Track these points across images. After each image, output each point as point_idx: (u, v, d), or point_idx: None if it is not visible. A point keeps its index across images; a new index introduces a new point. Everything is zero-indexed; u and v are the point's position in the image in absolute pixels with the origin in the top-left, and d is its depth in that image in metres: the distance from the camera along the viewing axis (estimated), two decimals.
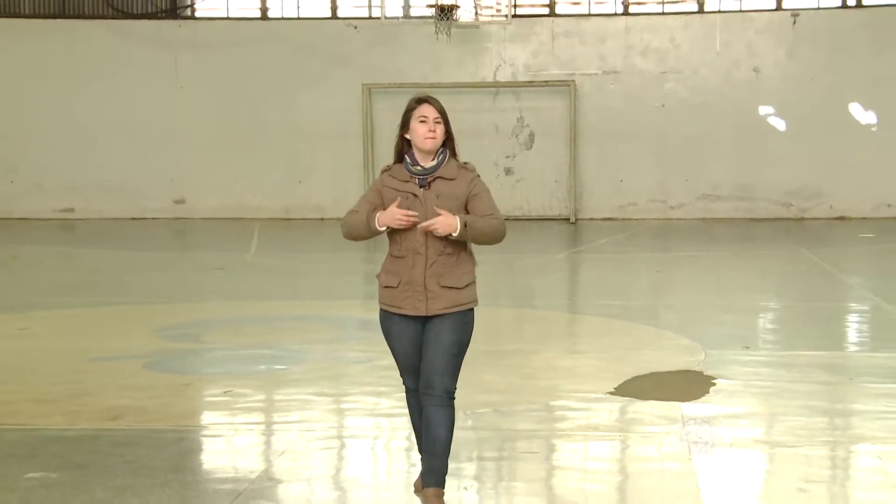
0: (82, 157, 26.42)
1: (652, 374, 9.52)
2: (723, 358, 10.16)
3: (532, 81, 26.09)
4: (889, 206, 25.24)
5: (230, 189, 26.37)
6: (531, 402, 8.62)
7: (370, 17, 26.14)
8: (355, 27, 26.35)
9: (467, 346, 5.97)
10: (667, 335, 11.49)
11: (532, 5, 26.42)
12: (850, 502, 6.38)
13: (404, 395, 6.22)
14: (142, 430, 7.75)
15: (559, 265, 18.95)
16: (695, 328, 11.80)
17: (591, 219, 25.95)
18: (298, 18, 26.83)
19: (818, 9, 25.61)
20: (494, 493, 6.51)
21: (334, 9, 26.81)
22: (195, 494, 6.40)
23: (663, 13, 26.09)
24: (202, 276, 17.25)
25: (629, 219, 25.85)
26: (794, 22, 25.51)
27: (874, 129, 25.38)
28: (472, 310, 5.96)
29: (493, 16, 25.21)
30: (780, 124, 25.70)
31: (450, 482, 6.02)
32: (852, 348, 11.61)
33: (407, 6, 26.16)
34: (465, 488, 6.42)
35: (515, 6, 25.64)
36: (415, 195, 5.84)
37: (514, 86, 26.16)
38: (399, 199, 5.81)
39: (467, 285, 5.92)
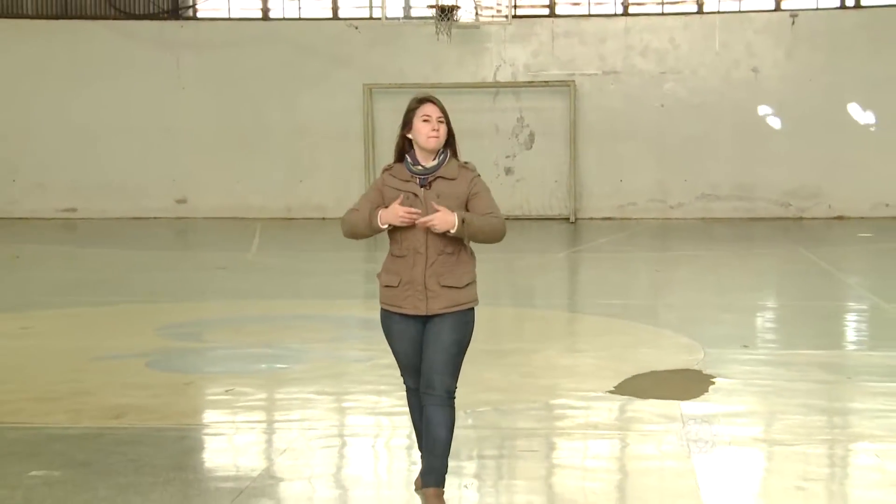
0: (84, 156, 26.42)
1: (651, 372, 9.53)
2: (722, 357, 10.18)
3: (532, 82, 26.10)
4: (887, 205, 25.26)
5: (232, 189, 26.39)
6: (531, 400, 8.63)
7: (371, 18, 26.09)
8: (356, 28, 26.36)
9: (468, 346, 5.96)
10: (666, 334, 11.50)
11: (532, 6, 26.41)
12: (848, 500, 6.40)
13: (405, 393, 6.22)
14: (144, 429, 7.77)
15: (559, 264, 18.95)
16: (694, 327, 11.80)
17: (591, 218, 25.96)
18: (299, 19, 26.83)
19: (817, 9, 25.60)
20: (494, 492, 6.51)
21: (335, 9, 26.80)
22: (197, 492, 6.41)
23: (663, 14, 26.08)
24: (204, 275, 17.25)
25: (629, 218, 25.86)
26: (793, 22, 25.53)
27: (872, 129, 25.38)
28: (472, 309, 5.95)
29: (493, 16, 25.21)
30: (778, 124, 25.71)
31: (450, 480, 6.02)
32: (850, 347, 11.64)
33: (407, 7, 26.15)
34: (466, 486, 6.43)
35: (515, 7, 25.62)
36: (415, 195, 5.83)
37: (514, 86, 26.17)
38: (402, 196, 5.80)
39: (467, 285, 5.91)
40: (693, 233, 23.67)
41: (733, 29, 25.71)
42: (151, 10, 26.71)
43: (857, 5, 25.40)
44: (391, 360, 6.17)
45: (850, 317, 13.53)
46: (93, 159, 26.41)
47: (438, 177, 5.87)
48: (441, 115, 5.87)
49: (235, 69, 26.23)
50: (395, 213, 5.73)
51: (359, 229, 5.92)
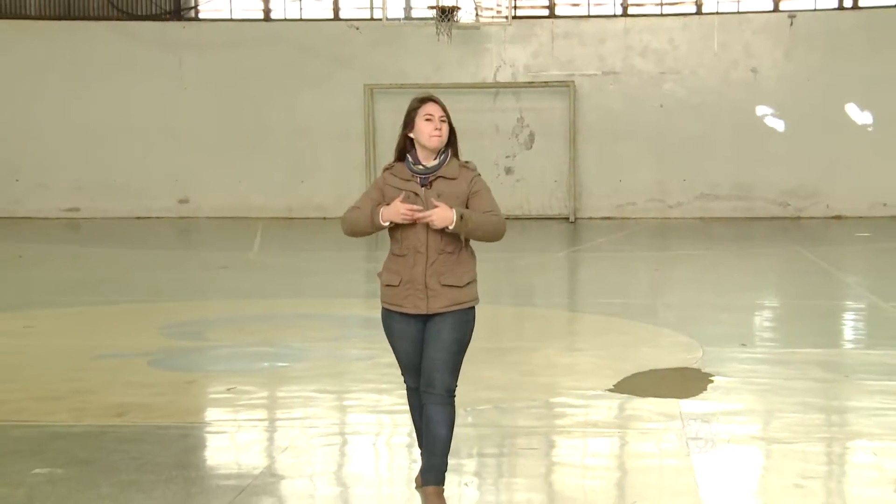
0: (87, 156, 26.47)
1: (650, 371, 9.54)
2: (720, 355, 10.19)
3: (532, 82, 26.14)
4: (885, 205, 25.31)
5: (234, 188, 26.45)
6: (531, 398, 8.64)
7: (372, 19, 26.22)
8: (357, 28, 26.41)
9: (468, 344, 5.96)
10: (665, 333, 11.54)
11: (532, 7, 26.45)
12: (845, 498, 6.41)
13: (405, 392, 6.23)
14: (146, 427, 7.79)
15: (559, 264, 18.94)
16: (693, 326, 11.82)
17: (591, 218, 26.01)
18: (301, 20, 26.87)
19: (815, 10, 25.67)
20: (494, 489, 6.52)
21: (336, 10, 26.85)
22: (199, 490, 6.42)
23: (662, 14, 26.14)
24: (206, 274, 17.28)
25: (628, 218, 25.90)
26: (791, 23, 25.57)
27: (870, 129, 25.42)
28: (472, 308, 5.94)
29: (493, 17, 25.23)
30: (777, 124, 25.73)
31: (450, 478, 6.02)
32: (848, 346, 11.64)
33: (408, 7, 26.17)
34: (466, 484, 6.43)
35: (515, 7, 25.66)
36: (416, 194, 5.82)
37: (514, 86, 26.21)
38: (403, 194, 5.80)
39: (468, 283, 5.91)
40: (692, 232, 23.67)
41: (732, 29, 25.75)
42: (154, 11, 26.74)
43: (855, 6, 25.45)
44: (392, 358, 6.16)
45: (848, 315, 13.55)
46: (96, 159, 26.46)
47: (439, 176, 5.85)
48: (443, 114, 5.86)
49: (237, 70, 26.28)
50: (396, 210, 5.72)
51: (359, 227, 5.91)
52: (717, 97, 25.73)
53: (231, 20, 27.02)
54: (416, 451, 6.32)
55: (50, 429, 7.73)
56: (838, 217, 25.40)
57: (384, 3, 24.85)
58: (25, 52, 26.38)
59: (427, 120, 5.84)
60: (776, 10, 25.79)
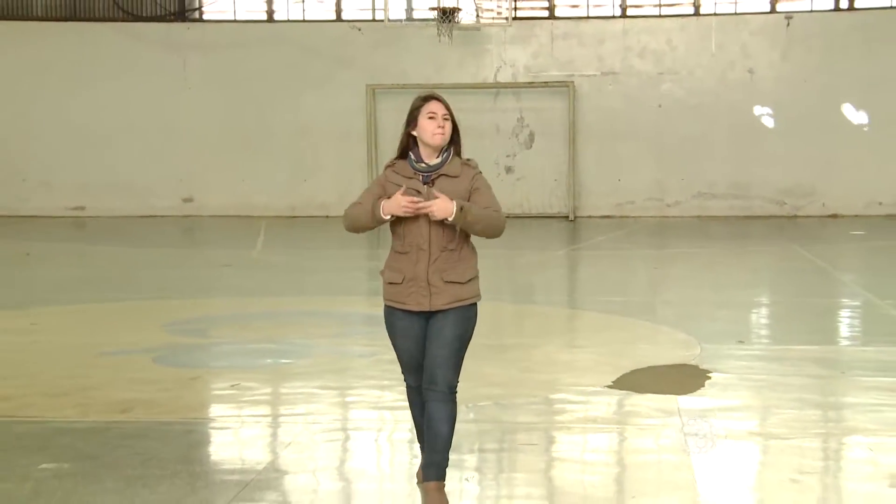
0: (93, 156, 26.52)
1: (649, 367, 9.57)
2: (718, 352, 10.20)
3: (532, 82, 26.19)
4: (880, 204, 25.36)
5: (237, 187, 26.49)
6: (531, 395, 8.64)
7: (374, 20, 26.27)
8: (359, 29, 26.46)
9: (469, 341, 5.94)
10: (663, 330, 11.57)
11: (532, 8, 26.51)
12: (841, 493, 6.43)
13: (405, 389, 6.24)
14: (151, 423, 7.81)
15: (558, 262, 18.96)
16: (691, 323, 11.88)
17: (590, 216, 26.03)
18: (304, 21, 26.91)
19: (811, 11, 25.71)
20: (495, 485, 6.53)
21: (339, 11, 26.89)
22: (203, 485, 6.42)
23: (660, 16, 26.19)
24: (210, 272, 17.31)
25: (627, 216, 25.94)
26: (788, 24, 25.62)
27: (866, 129, 25.47)
28: (475, 304, 5.93)
29: (493, 18, 25.27)
30: (774, 124, 25.81)
31: (451, 474, 6.02)
32: (844, 342, 11.67)
33: (410, 9, 26.22)
34: (467, 479, 6.45)
35: (515, 9, 25.73)
36: (418, 192, 5.78)
37: (514, 87, 26.25)
38: (404, 187, 5.79)
39: (470, 280, 5.89)
40: (690, 230, 23.70)
41: (729, 31, 25.79)
42: (158, 12, 26.78)
43: (851, 7, 25.50)
44: (394, 355, 6.14)
45: (844, 313, 13.58)
46: (101, 158, 26.50)
47: (441, 174, 5.84)
48: (446, 112, 5.85)
49: (241, 70, 26.32)
50: (397, 203, 5.70)
51: (360, 222, 5.89)
52: (715, 97, 25.78)
53: (235, 21, 27.07)
54: (418, 447, 6.33)
55: (55, 424, 7.76)
56: (834, 216, 25.46)
57: (386, 5, 24.91)
58: (32, 53, 26.43)
59: (430, 118, 5.82)
60: (773, 11, 25.84)
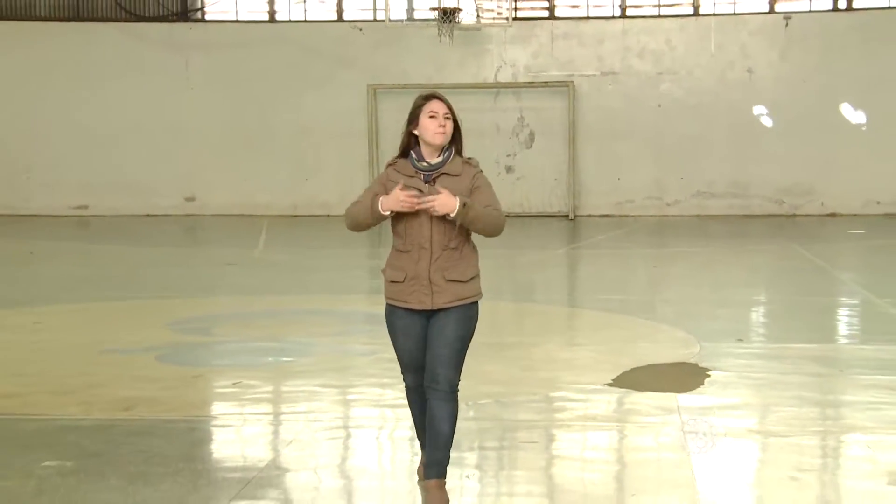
0: (96, 155, 26.56)
1: (649, 366, 9.58)
2: (717, 350, 10.22)
3: (532, 82, 26.23)
4: (878, 203, 25.40)
5: (239, 187, 26.53)
6: (531, 393, 8.65)
7: (375, 20, 26.30)
8: (360, 29, 26.50)
9: (471, 340, 5.93)
10: (663, 328, 11.59)
11: (532, 8, 26.55)
12: (840, 491, 6.42)
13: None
14: (154, 420, 7.82)
15: (558, 261, 18.99)
16: (690, 322, 11.90)
17: (590, 215, 26.07)
18: (305, 21, 26.95)
19: (810, 11, 25.75)
20: (495, 482, 6.55)
21: (340, 12, 26.92)
22: (206, 482, 6.44)
23: (659, 16, 26.23)
24: (212, 271, 17.36)
25: (626, 215, 25.98)
26: (787, 24, 25.65)
27: (864, 128, 25.49)
28: (476, 303, 5.92)
29: (494, 18, 25.31)
30: (772, 124, 25.84)
31: (452, 471, 6.02)
32: (843, 341, 11.69)
33: (410, 9, 26.24)
34: (467, 477, 6.45)
35: (516, 9, 25.75)
36: (420, 190, 5.76)
37: (514, 86, 26.29)
38: (402, 182, 5.78)
39: (471, 279, 5.88)
40: (689, 229, 23.70)
41: (728, 31, 25.82)
42: (161, 13, 26.83)
43: (850, 8, 25.53)
44: (395, 353, 6.12)
45: (843, 311, 13.62)
46: (104, 158, 26.55)
47: (443, 173, 5.82)
48: (447, 111, 5.83)
49: (243, 70, 26.37)
50: (396, 199, 5.69)
51: (361, 218, 5.88)
52: (714, 97, 25.82)
53: (237, 21, 27.12)
54: (418, 445, 6.35)
55: (59, 422, 7.78)
56: (833, 215, 25.50)
57: (387, 5, 24.96)
58: (35, 53, 26.48)
59: (431, 117, 5.81)
60: (772, 11, 25.88)
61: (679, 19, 26.04)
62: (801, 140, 25.40)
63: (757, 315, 13.42)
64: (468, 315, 5.90)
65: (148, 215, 26.51)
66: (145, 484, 6.36)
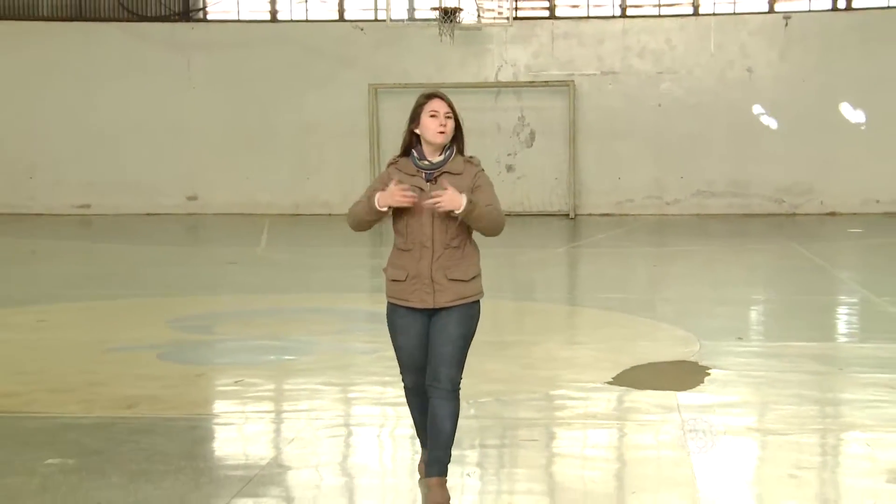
0: (98, 154, 26.63)
1: (648, 364, 9.59)
2: (717, 349, 10.22)
3: (533, 82, 26.26)
4: (877, 202, 25.45)
5: (241, 186, 26.58)
6: (532, 391, 8.67)
7: (376, 20, 26.33)
8: (361, 29, 26.54)
9: (472, 338, 5.93)
10: (663, 327, 11.59)
11: (532, 8, 26.59)
12: (839, 488, 6.42)
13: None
14: (156, 418, 7.83)
15: (559, 259, 19.04)
16: (690, 320, 11.91)
17: (590, 214, 26.11)
18: (307, 21, 27.00)
19: (809, 11, 25.80)
20: (496, 480, 6.56)
21: (341, 11, 26.97)
22: (207, 480, 6.45)
23: (659, 16, 26.27)
24: (214, 269, 17.38)
25: (626, 214, 26.02)
26: (786, 24, 25.69)
27: (863, 128, 25.53)
28: (477, 302, 5.91)
29: (494, 18, 25.37)
30: (772, 123, 25.85)
31: (453, 469, 6.03)
32: (842, 339, 11.68)
33: (412, 9, 26.29)
34: (468, 475, 6.45)
35: (516, 9, 25.81)
36: (421, 189, 5.76)
37: (515, 86, 26.33)
38: (398, 176, 5.80)
39: (473, 278, 5.87)
40: (689, 228, 23.71)
41: (728, 30, 25.86)
42: (163, 13, 26.87)
43: (849, 7, 25.57)
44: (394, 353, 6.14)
45: (842, 310, 13.62)
46: (106, 157, 26.61)
47: (444, 172, 5.81)
48: (449, 110, 5.82)
49: (244, 70, 26.40)
50: (391, 193, 5.68)
51: (360, 217, 5.87)
52: (714, 97, 25.85)
53: (238, 21, 27.16)
54: (419, 443, 6.37)
55: (62, 420, 7.79)
56: (832, 214, 25.55)
57: (388, 5, 25.04)
58: (38, 53, 26.52)
59: (432, 116, 5.80)
60: (771, 11, 25.92)
61: (679, 19, 26.08)
62: (800, 139, 25.44)
63: (756, 313, 13.43)
64: (470, 314, 5.90)
65: (150, 214, 26.56)
66: (147, 482, 6.36)
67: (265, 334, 11.30)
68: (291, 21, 27.11)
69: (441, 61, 25.99)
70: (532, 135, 26.32)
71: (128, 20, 26.82)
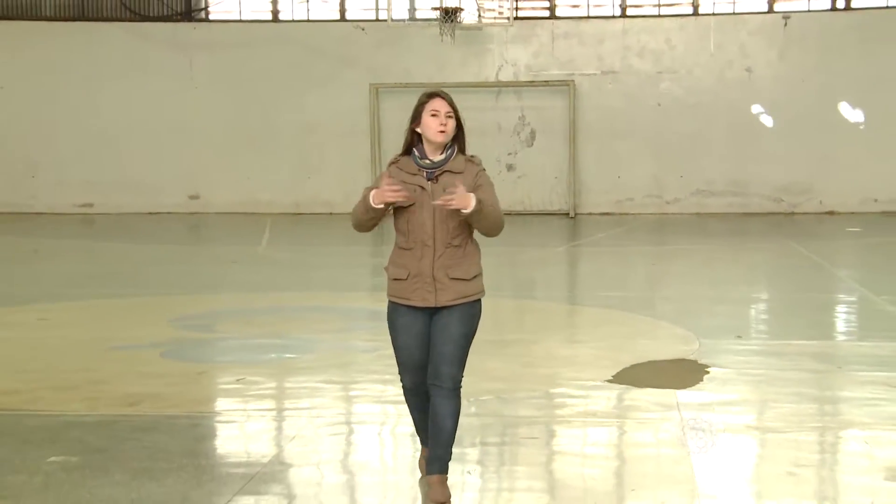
0: (101, 154, 26.64)
1: (648, 362, 9.61)
2: (716, 347, 10.25)
3: (533, 81, 26.28)
4: (876, 201, 25.48)
5: (242, 185, 26.60)
6: (532, 389, 8.68)
7: (377, 20, 26.34)
8: (363, 29, 26.55)
9: (474, 337, 5.94)
10: (662, 325, 11.60)
11: (533, 8, 26.61)
12: (837, 486, 6.43)
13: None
14: (158, 416, 7.85)
15: (559, 258, 19.06)
16: (689, 318, 11.92)
17: (590, 213, 26.14)
18: (308, 21, 27.00)
19: (809, 11, 25.81)
20: (497, 478, 6.59)
21: (343, 11, 26.98)
22: (209, 478, 6.46)
23: (659, 15, 26.28)
24: (216, 268, 17.39)
25: (626, 213, 26.04)
26: (786, 24, 25.71)
27: (862, 127, 25.55)
28: (479, 301, 5.93)
29: (495, 18, 25.38)
30: (771, 123, 25.89)
31: (453, 467, 6.06)
32: (841, 338, 11.71)
33: (412, 9, 26.31)
34: (469, 473, 6.47)
35: (517, 9, 25.82)
36: (422, 188, 5.79)
37: (515, 85, 26.35)
38: (388, 171, 5.83)
39: (474, 277, 5.88)
40: (688, 227, 23.73)
41: (727, 30, 25.88)
42: (165, 13, 26.88)
43: (848, 7, 25.58)
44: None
45: (840, 308, 13.66)
46: (109, 156, 26.63)
47: (445, 171, 5.82)
48: (450, 110, 5.82)
49: (246, 69, 26.42)
50: (381, 191, 5.68)
51: (359, 216, 5.87)
52: (713, 96, 25.88)
53: (240, 21, 27.17)
54: (419, 441, 6.40)
55: (64, 418, 7.80)
56: (831, 213, 25.57)
57: (389, 5, 25.08)
58: (40, 53, 26.54)
59: (433, 115, 5.81)
60: (771, 10, 25.94)
61: (679, 19, 26.10)
62: (799, 139, 25.47)
63: (756, 312, 13.45)
64: (471, 313, 5.92)
65: (152, 213, 26.60)
66: (149, 479, 6.38)
67: (266, 333, 11.32)
68: (293, 21, 27.10)
69: (442, 61, 26.01)
70: (532, 134, 26.34)
71: (130, 20, 26.84)
